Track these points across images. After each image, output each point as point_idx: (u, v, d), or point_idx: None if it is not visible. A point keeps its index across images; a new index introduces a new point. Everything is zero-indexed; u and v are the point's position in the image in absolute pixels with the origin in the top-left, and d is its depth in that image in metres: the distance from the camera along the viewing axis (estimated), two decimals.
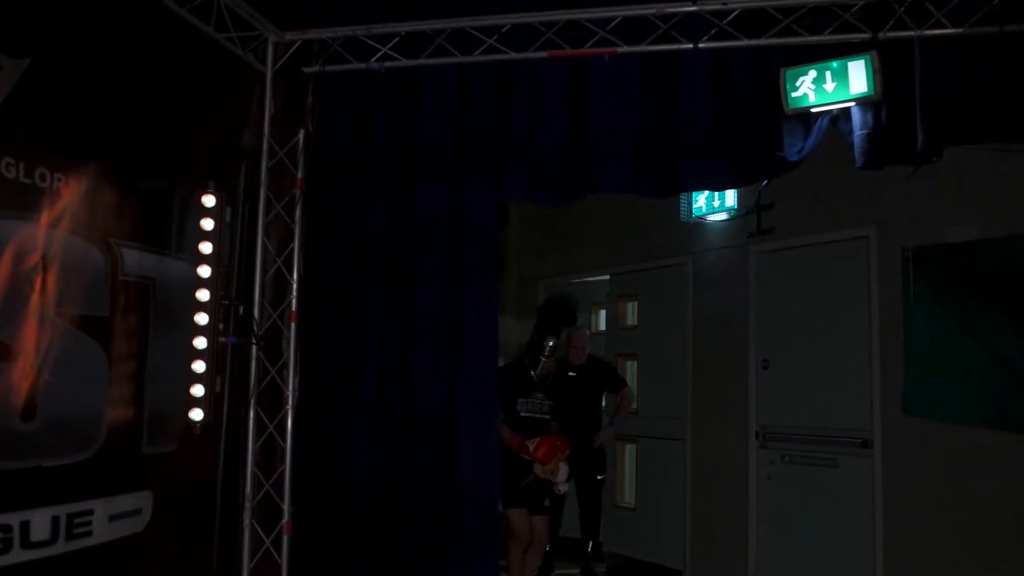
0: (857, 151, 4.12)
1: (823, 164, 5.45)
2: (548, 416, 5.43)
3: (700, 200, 6.35)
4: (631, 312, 7.07)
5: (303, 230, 4.20)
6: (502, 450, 5.06)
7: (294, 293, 4.15)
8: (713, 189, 5.10)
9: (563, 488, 5.38)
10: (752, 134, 4.35)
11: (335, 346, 4.54)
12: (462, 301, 4.73)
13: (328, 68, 4.31)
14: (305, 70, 4.31)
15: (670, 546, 6.28)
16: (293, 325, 4.13)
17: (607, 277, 7.29)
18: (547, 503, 5.40)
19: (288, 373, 4.09)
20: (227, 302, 3.87)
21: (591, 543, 6.51)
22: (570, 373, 6.30)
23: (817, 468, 5.45)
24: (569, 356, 6.38)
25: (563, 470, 5.28)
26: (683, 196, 6.41)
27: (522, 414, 5.32)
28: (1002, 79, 3.73)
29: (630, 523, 6.69)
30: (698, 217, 6.37)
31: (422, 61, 4.34)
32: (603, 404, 6.58)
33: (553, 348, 5.42)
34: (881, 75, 3.93)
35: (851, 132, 4.22)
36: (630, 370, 6.84)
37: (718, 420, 6.06)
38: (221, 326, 3.81)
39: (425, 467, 4.61)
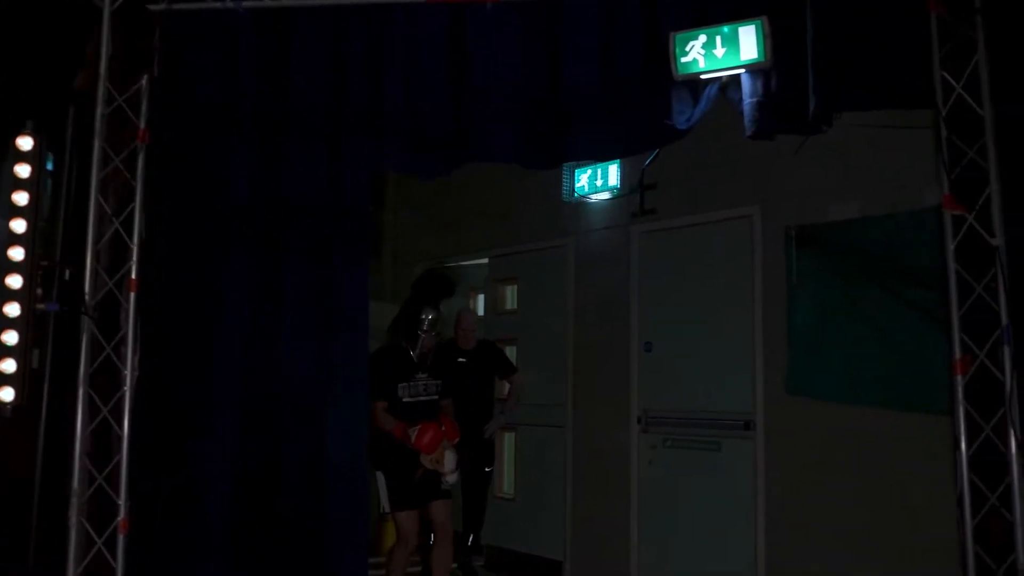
0: (747, 119, 3.97)
1: (706, 144, 5.35)
2: (436, 396, 4.94)
3: (582, 179, 6.17)
4: (510, 296, 6.82)
5: (146, 188, 3.69)
6: (387, 444, 4.69)
7: (134, 259, 3.63)
8: (600, 159, 4.89)
9: (451, 479, 4.78)
10: (641, 101, 4.13)
11: (187, 321, 4.05)
12: (334, 277, 4.32)
13: (176, 6, 3.84)
14: (150, 7, 3.82)
15: (550, 537, 6.06)
16: (132, 295, 3.60)
17: (486, 261, 7.02)
18: (444, 484, 4.85)
19: (126, 349, 3.59)
20: (47, 263, 3.34)
21: (471, 536, 6.19)
22: (459, 359, 5.97)
23: (700, 452, 5.33)
24: (458, 340, 6.07)
25: (449, 458, 4.69)
26: (565, 175, 6.23)
27: (404, 400, 4.81)
28: (895, 43, 3.64)
29: (509, 514, 6.43)
30: (580, 197, 6.18)
31: (287, 3, 3.92)
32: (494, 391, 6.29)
33: (433, 322, 4.91)
34: (772, 41, 3.78)
35: (741, 100, 4.05)
36: (510, 356, 6.58)
37: (600, 405, 5.88)
38: (40, 291, 3.29)
39: (293, 455, 4.19)
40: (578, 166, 6.18)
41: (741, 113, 4.07)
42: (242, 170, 4.30)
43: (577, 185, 6.19)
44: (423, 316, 4.90)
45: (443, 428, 4.76)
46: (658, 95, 4.11)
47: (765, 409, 5.01)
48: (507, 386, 6.26)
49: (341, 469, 4.12)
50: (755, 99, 3.96)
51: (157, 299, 3.86)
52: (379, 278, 7.72)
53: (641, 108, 4.17)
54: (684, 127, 4.07)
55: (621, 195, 5.92)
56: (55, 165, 3.50)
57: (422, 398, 4.87)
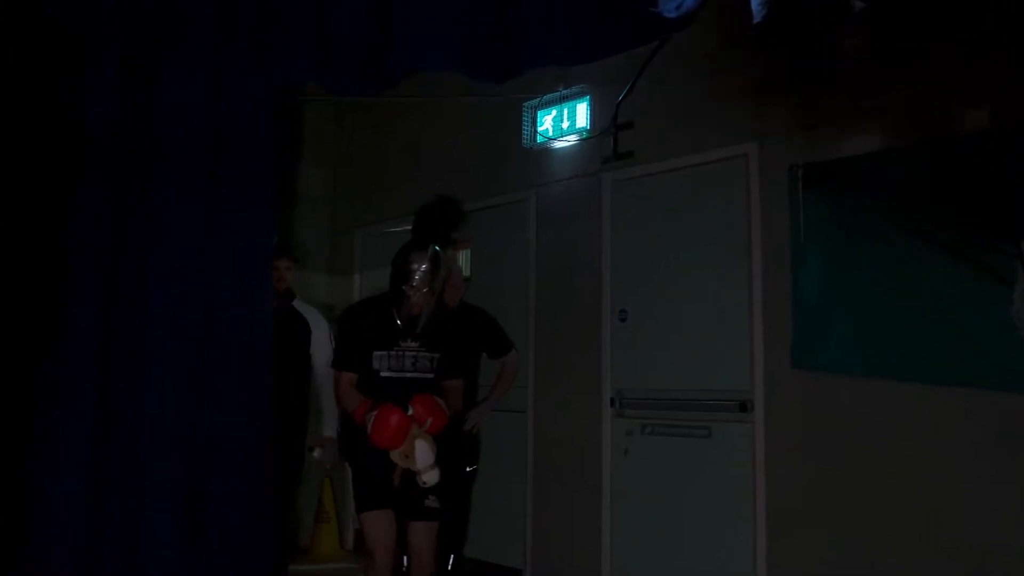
0: (754, 2, 3.09)
1: (691, 70, 4.50)
2: (431, 375, 3.69)
3: (546, 121, 5.27)
4: (462, 261, 5.87)
5: None
6: (357, 431, 3.64)
7: None
8: (567, 62, 3.94)
9: (427, 478, 3.48)
10: None
11: (31, 266, 3.11)
12: (222, 222, 3.38)
13: None
14: None
15: (507, 542, 5.15)
16: None
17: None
18: (431, 501, 3.63)
19: None
20: None
21: (452, 557, 4.79)
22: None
23: (686, 438, 4.46)
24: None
25: (421, 451, 3.44)
26: (525, 117, 5.33)
27: (383, 373, 3.63)
28: None
29: None
30: (543, 142, 5.27)
31: None
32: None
33: (428, 274, 3.59)
34: None
35: None
36: None
37: (565, 386, 4.99)
38: None
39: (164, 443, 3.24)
40: (541, 107, 5.28)
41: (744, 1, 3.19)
42: (100, 92, 3.34)
43: (540, 129, 5.28)
44: (410, 264, 3.61)
45: (412, 412, 3.49)
46: None
47: (766, 386, 4.16)
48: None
49: (230, 454, 3.19)
50: None
51: None
52: (318, 248, 6.76)
53: None
54: (673, 15, 3.17)
55: (591, 137, 5.02)
56: None
57: (408, 374, 3.65)
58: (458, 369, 3.84)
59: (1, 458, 3.14)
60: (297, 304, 4.75)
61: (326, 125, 6.83)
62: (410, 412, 3.49)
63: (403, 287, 3.60)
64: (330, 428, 4.64)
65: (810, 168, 4.03)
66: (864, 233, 3.85)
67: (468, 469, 4.74)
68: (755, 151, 4.29)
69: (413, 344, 3.68)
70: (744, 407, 4.21)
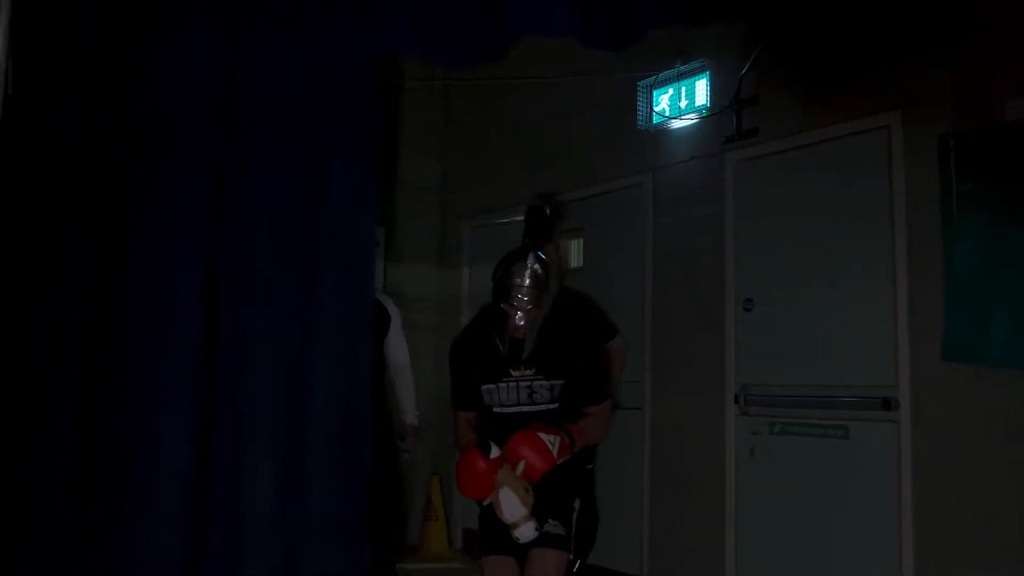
0: None
1: (822, 36, 4.12)
2: (555, 404, 3.06)
3: (662, 101, 4.96)
4: (576, 251, 5.61)
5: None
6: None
7: None
8: (689, 22, 3.64)
9: (519, 535, 2.87)
10: None
11: (124, 247, 3.03)
12: (322, 197, 3.24)
13: None
14: None
15: (624, 547, 4.83)
16: None
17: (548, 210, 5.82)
18: (551, 526, 3.01)
19: None
20: None
21: (577, 563, 4.54)
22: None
23: (819, 439, 4.06)
24: None
25: (507, 500, 2.82)
26: (640, 97, 5.03)
27: (495, 410, 3.10)
28: None
29: None
30: (660, 123, 4.95)
31: None
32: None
33: (532, 291, 2.98)
34: None
35: None
36: None
37: (686, 382, 4.65)
38: None
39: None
40: (657, 85, 4.97)
41: None
42: (199, 59, 3.24)
43: (656, 108, 4.97)
44: (510, 277, 3.01)
45: (493, 457, 2.87)
46: None
47: (912, 382, 3.74)
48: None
49: (330, 445, 3.04)
50: None
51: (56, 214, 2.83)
52: (425, 240, 6.63)
53: None
54: None
55: (711, 115, 4.67)
56: None
57: (525, 408, 3.06)
58: (601, 391, 3.19)
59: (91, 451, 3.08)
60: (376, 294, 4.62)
61: (433, 113, 6.68)
62: (494, 453, 2.86)
63: (502, 305, 3.03)
64: (411, 415, 4.50)
65: (962, 138, 3.59)
66: None
67: (588, 467, 4.29)
68: (898, 121, 3.87)
69: (527, 372, 3.07)
70: (888, 405, 3.80)
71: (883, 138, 3.93)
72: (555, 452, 2.84)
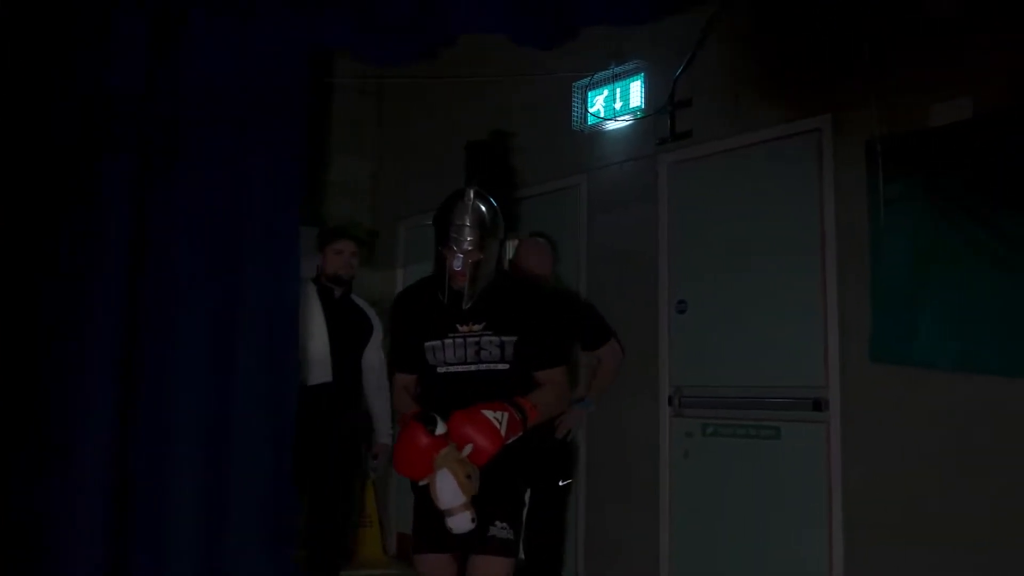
0: None
1: (755, 41, 4.16)
2: (504, 366, 2.76)
3: (597, 102, 4.95)
4: (510, 252, 5.56)
5: None
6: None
7: None
8: (624, 21, 3.62)
9: (452, 524, 2.54)
10: None
11: (52, 247, 2.91)
12: (245, 194, 3.14)
13: None
14: None
15: None
16: None
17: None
18: (498, 529, 2.67)
19: None
20: None
21: None
22: None
23: (752, 440, 4.09)
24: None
25: (443, 483, 2.52)
26: (575, 98, 5.02)
27: (439, 370, 2.82)
28: None
29: None
30: (594, 125, 4.94)
31: None
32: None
33: (474, 230, 2.70)
34: None
35: None
36: None
37: (620, 383, 4.62)
38: None
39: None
40: (592, 87, 4.96)
41: None
42: (124, 60, 3.13)
43: (591, 110, 4.96)
44: (451, 217, 2.74)
45: (438, 434, 2.56)
46: None
47: (842, 382, 3.78)
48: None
49: (255, 436, 2.95)
50: None
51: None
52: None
53: None
54: None
55: (646, 116, 4.68)
56: None
57: (471, 367, 2.77)
58: (556, 353, 2.87)
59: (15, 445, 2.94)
60: (356, 298, 4.46)
61: (366, 113, 6.58)
62: (440, 430, 2.57)
63: (440, 248, 2.74)
64: (384, 434, 4.34)
65: (890, 142, 3.64)
66: (955, 212, 3.46)
67: (561, 483, 4.14)
68: (828, 124, 3.91)
69: (476, 327, 2.75)
70: (818, 405, 3.84)
71: (814, 141, 3.97)
72: (503, 430, 2.54)
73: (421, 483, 2.62)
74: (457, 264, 2.70)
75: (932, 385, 3.48)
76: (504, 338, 2.76)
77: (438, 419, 2.59)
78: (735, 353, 4.19)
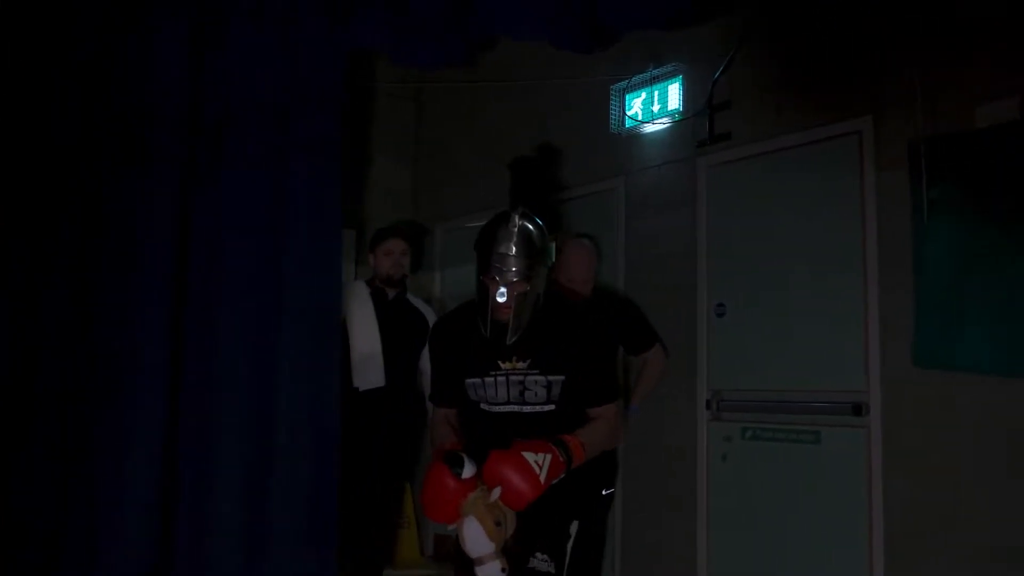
0: None
1: (794, 41, 4.13)
2: (551, 407, 2.58)
3: (635, 105, 4.94)
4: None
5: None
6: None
7: None
8: (662, 25, 3.62)
9: (483, 573, 2.35)
10: None
11: (89, 248, 3.00)
12: (287, 197, 3.21)
13: None
14: None
15: None
16: None
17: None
18: (538, 561, 2.51)
19: None
20: None
21: None
22: None
23: (791, 444, 4.05)
24: (562, 283, 3.99)
25: (470, 531, 2.33)
26: (613, 101, 5.01)
27: (481, 406, 2.64)
28: None
29: None
30: (632, 127, 4.93)
31: None
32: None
33: (520, 260, 2.45)
34: None
35: None
36: None
37: (658, 386, 4.61)
38: None
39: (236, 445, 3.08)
40: (629, 89, 4.95)
41: None
42: (168, 60, 3.22)
43: (629, 113, 4.95)
44: (489, 244, 2.51)
45: (466, 477, 2.35)
46: None
47: (883, 387, 3.73)
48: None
49: (298, 429, 3.00)
50: None
51: (35, 216, 2.80)
52: None
53: None
54: None
55: (684, 119, 4.66)
56: None
57: (515, 407, 2.59)
58: (608, 389, 2.69)
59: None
60: (412, 298, 4.45)
61: (406, 118, 6.64)
62: (468, 472, 2.35)
63: (483, 278, 2.52)
64: None
65: (933, 143, 3.59)
66: (1000, 215, 3.40)
67: (604, 492, 3.90)
68: (869, 126, 3.87)
69: (519, 365, 2.55)
70: (858, 410, 3.80)
71: (855, 143, 3.93)
72: (542, 475, 2.30)
73: (449, 529, 2.41)
74: (501, 296, 2.47)
75: (976, 389, 3.42)
76: (551, 378, 2.56)
77: (466, 459, 2.36)
78: (774, 356, 4.15)
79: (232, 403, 3.09)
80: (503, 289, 2.46)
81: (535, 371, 2.55)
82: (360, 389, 4.06)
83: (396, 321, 4.23)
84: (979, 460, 3.41)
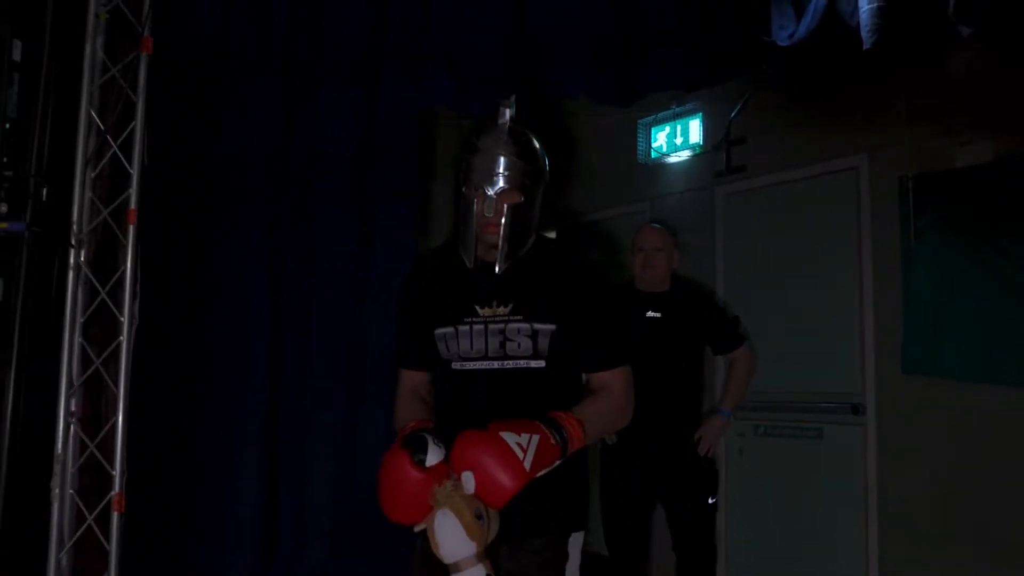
0: (864, 30, 3.29)
1: (802, 86, 4.68)
2: (540, 363, 2.06)
3: (660, 138, 5.52)
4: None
5: (148, 106, 3.16)
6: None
7: (134, 186, 3.11)
8: (684, 88, 4.22)
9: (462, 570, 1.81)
10: (732, 16, 3.51)
11: (201, 269, 3.57)
12: (370, 231, 3.80)
13: None
14: None
15: None
16: (132, 228, 3.06)
17: (553, 234, 6.40)
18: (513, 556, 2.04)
19: (124, 292, 3.07)
20: (11, 173, 2.79)
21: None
22: (649, 313, 3.73)
23: (798, 440, 4.62)
24: (636, 275, 3.88)
25: (443, 529, 1.80)
26: (640, 134, 5.60)
27: (453, 365, 2.10)
28: None
29: None
30: (657, 157, 5.52)
31: None
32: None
33: (511, 165, 2.05)
34: None
35: (855, 11, 3.38)
36: None
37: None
38: (3, 207, 2.75)
39: (322, 451, 3.67)
40: (655, 124, 5.54)
41: (853, 28, 3.40)
42: (264, 118, 3.83)
43: (654, 145, 5.54)
44: (473, 145, 2.09)
45: (431, 464, 1.85)
46: (753, 9, 3.48)
47: (877, 390, 4.29)
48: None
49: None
50: (875, 4, 3.28)
51: (166, 241, 3.37)
52: None
53: (733, 25, 3.54)
54: (786, 43, 3.40)
55: (704, 152, 5.25)
56: (26, 57, 2.99)
57: (495, 363, 2.05)
58: (614, 349, 2.11)
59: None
60: None
61: (454, 145, 7.21)
62: (433, 458, 1.85)
63: (463, 189, 2.03)
64: None
65: (920, 179, 4.14)
66: (977, 242, 3.94)
67: (710, 500, 3.82)
68: (865, 163, 4.42)
69: (501, 310, 2.02)
70: (856, 410, 4.34)
71: (852, 178, 4.49)
72: (527, 461, 1.78)
73: (416, 529, 1.88)
74: (488, 209, 1.98)
75: (957, 394, 3.94)
76: (537, 325, 2.00)
77: (430, 442, 1.85)
78: (784, 363, 4.70)
79: (322, 427, 3.65)
80: (492, 198, 1.99)
81: (518, 317, 2.01)
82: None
83: None
84: (960, 456, 3.93)
